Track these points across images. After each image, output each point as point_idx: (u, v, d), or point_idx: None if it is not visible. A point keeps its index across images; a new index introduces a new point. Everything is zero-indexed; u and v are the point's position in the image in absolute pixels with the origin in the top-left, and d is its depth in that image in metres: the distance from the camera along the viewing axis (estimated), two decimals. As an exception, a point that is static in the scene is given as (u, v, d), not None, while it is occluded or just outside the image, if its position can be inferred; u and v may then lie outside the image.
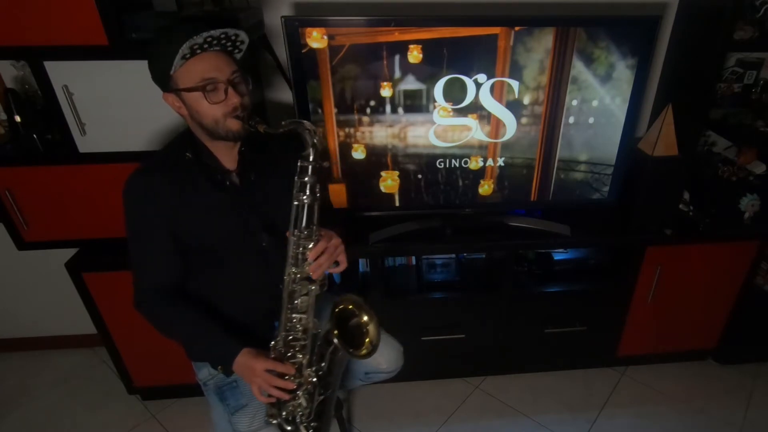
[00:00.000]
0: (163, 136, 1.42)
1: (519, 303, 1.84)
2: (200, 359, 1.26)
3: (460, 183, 1.64)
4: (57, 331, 2.16)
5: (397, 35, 1.38)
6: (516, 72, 1.46)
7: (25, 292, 2.06)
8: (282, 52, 1.56)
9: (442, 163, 1.59)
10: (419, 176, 1.61)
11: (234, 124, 1.04)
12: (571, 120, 1.55)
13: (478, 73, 1.45)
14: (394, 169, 1.59)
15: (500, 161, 1.61)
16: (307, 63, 1.39)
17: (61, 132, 1.39)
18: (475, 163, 1.61)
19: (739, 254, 1.82)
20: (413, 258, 1.94)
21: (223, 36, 0.99)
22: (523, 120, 1.54)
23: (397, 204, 1.66)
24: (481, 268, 1.95)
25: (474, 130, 1.54)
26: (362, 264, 1.88)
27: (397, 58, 1.40)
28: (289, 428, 1.13)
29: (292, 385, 1.07)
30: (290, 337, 1.10)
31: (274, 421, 1.13)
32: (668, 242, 1.73)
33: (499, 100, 1.50)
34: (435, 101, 1.48)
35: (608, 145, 1.61)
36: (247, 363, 1.07)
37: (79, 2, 1.21)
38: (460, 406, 1.92)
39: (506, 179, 1.65)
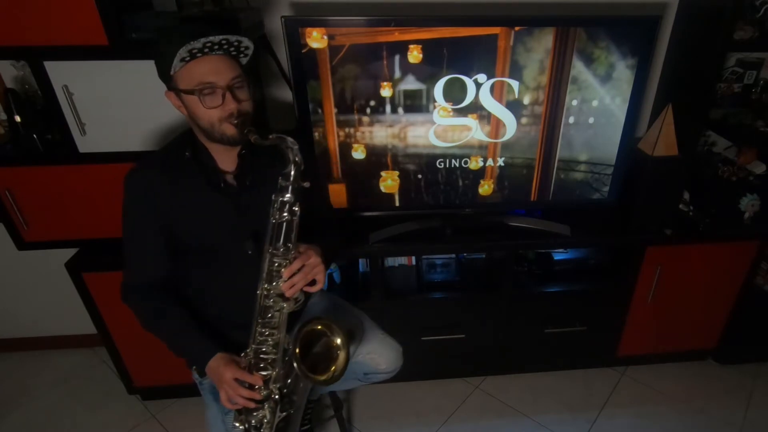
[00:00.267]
0: (163, 136, 1.42)
1: (519, 303, 1.84)
2: (180, 356, 1.26)
3: (460, 183, 1.64)
4: (57, 331, 2.16)
5: (397, 35, 1.38)
6: (516, 72, 1.46)
7: (25, 292, 2.06)
8: (282, 52, 1.56)
9: (442, 163, 1.59)
10: (419, 176, 1.61)
11: (229, 129, 1.02)
12: (571, 120, 1.55)
13: (478, 73, 1.45)
14: (394, 169, 1.59)
15: (500, 161, 1.61)
16: (307, 63, 1.39)
17: (61, 132, 1.39)
18: (475, 163, 1.61)
19: (739, 254, 1.82)
20: (413, 258, 1.94)
21: (224, 42, 0.98)
22: (523, 120, 1.54)
23: (397, 204, 1.66)
24: (481, 268, 1.94)
25: (474, 130, 1.54)
26: (362, 264, 1.88)
27: (397, 58, 1.40)
28: None
29: (258, 396, 1.07)
30: (261, 349, 1.09)
31: (241, 427, 1.12)
32: (668, 242, 1.73)
33: (499, 100, 1.50)
34: (435, 101, 1.48)
35: (608, 145, 1.61)
36: (218, 369, 1.07)
37: (79, 2, 1.21)
38: (460, 406, 1.92)
39: (506, 179, 1.65)
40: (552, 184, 1.66)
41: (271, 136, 0.99)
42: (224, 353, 1.10)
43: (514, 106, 1.52)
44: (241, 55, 1.06)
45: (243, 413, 1.11)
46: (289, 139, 1.00)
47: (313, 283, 1.08)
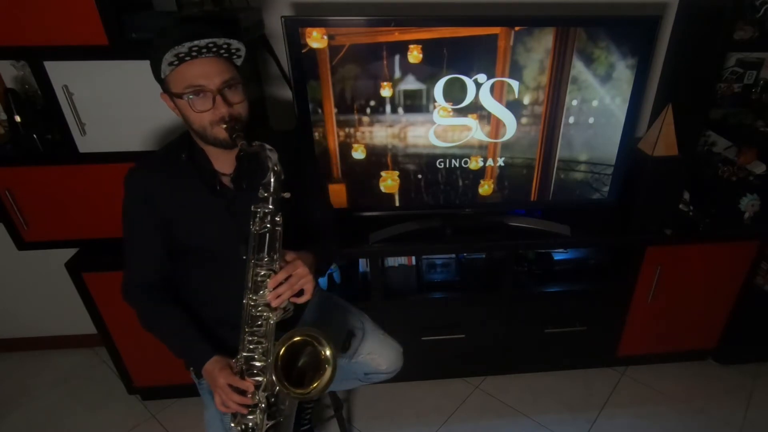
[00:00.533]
0: (162, 136, 1.42)
1: (519, 303, 1.84)
2: (178, 357, 1.26)
3: (460, 183, 1.64)
4: (57, 331, 2.16)
5: (397, 35, 1.38)
6: (516, 72, 1.46)
7: (25, 292, 2.06)
8: (282, 52, 1.56)
9: (442, 163, 1.59)
10: (419, 176, 1.61)
11: (221, 133, 1.00)
12: (571, 120, 1.55)
13: (478, 73, 1.45)
14: (394, 169, 1.59)
15: (500, 161, 1.61)
16: (307, 63, 1.39)
17: (61, 132, 1.39)
18: (475, 163, 1.61)
19: (739, 254, 1.82)
20: (413, 258, 1.94)
21: (212, 45, 0.95)
22: (523, 120, 1.54)
23: (397, 204, 1.66)
24: (481, 268, 1.94)
25: (474, 130, 1.54)
26: (362, 264, 1.88)
27: (397, 58, 1.40)
28: None
29: (250, 401, 1.06)
30: (252, 356, 1.08)
31: (238, 428, 1.11)
32: (668, 242, 1.73)
33: (499, 100, 1.50)
34: (435, 101, 1.48)
35: (608, 145, 1.61)
36: (213, 373, 1.07)
37: (79, 2, 1.21)
38: (460, 406, 1.92)
39: (506, 179, 1.65)
40: (552, 184, 1.66)
41: (254, 144, 0.96)
42: (220, 357, 1.09)
43: (514, 106, 1.52)
44: (234, 57, 1.03)
45: (237, 416, 1.11)
46: (268, 148, 0.96)
47: (300, 293, 1.04)
